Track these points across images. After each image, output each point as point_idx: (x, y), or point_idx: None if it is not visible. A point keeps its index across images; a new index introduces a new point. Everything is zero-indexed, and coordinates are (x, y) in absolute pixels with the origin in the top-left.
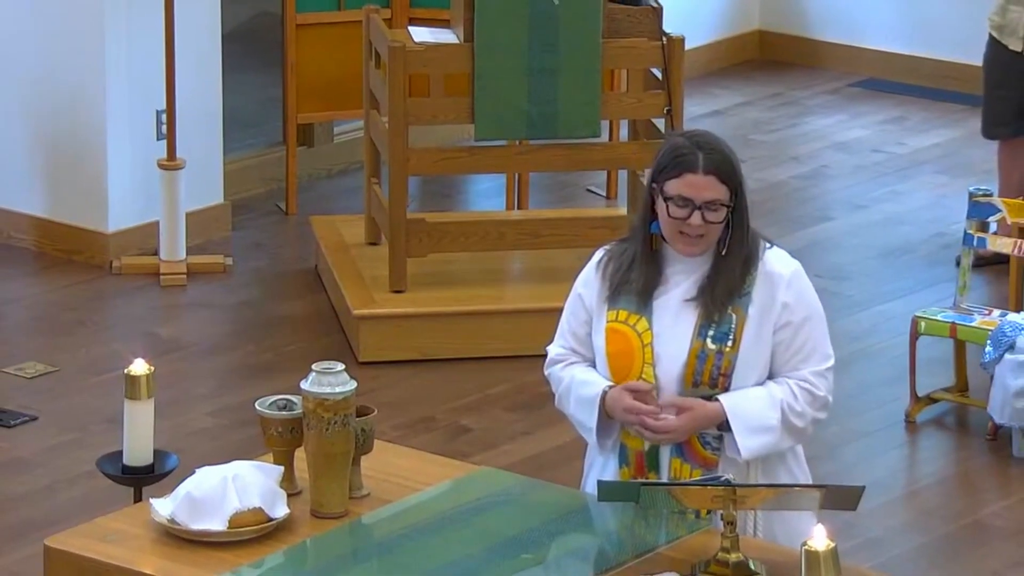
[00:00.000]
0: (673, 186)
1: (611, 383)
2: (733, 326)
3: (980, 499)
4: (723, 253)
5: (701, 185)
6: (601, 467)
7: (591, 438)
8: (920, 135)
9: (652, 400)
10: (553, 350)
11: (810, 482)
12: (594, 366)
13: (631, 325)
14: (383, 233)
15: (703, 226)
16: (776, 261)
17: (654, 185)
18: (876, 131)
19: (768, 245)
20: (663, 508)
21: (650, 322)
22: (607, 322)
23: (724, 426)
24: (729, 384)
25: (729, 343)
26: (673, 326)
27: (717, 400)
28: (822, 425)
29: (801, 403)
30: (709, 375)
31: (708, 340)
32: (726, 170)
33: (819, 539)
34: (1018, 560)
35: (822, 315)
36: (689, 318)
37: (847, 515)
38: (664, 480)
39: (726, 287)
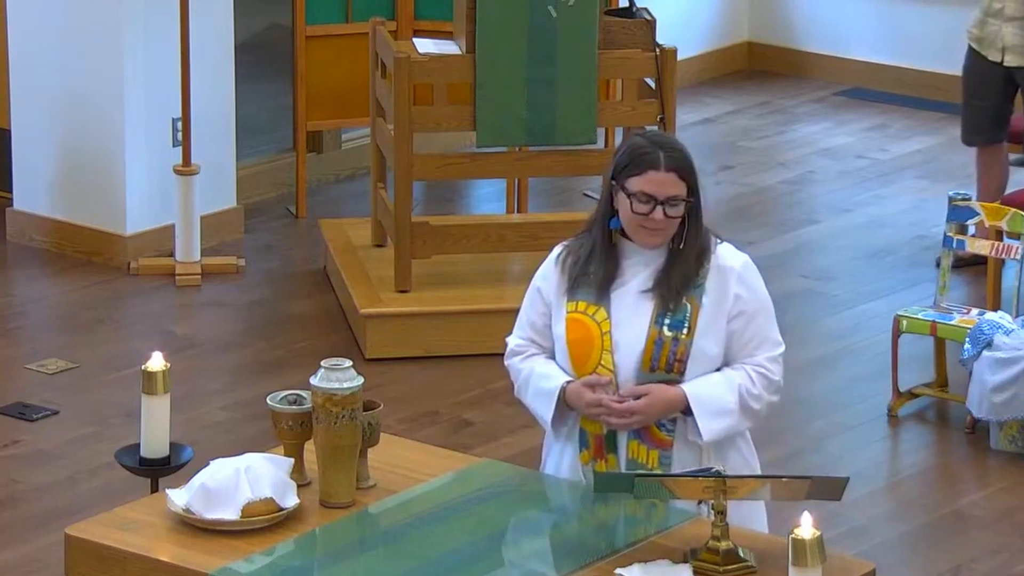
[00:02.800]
0: (636, 183)
1: (570, 378)
2: (688, 315)
3: (959, 490)
4: (680, 247)
5: (663, 182)
6: (560, 451)
7: (547, 428)
8: (902, 142)
9: (612, 390)
10: (512, 341)
11: (757, 462)
12: (553, 357)
13: (590, 315)
14: (389, 235)
15: (664, 220)
16: (727, 255)
17: (614, 182)
18: (860, 138)
19: (719, 240)
20: (657, 498)
21: (608, 312)
22: (567, 312)
23: (684, 411)
24: (684, 369)
25: (684, 330)
26: (631, 315)
27: (678, 387)
28: (808, 419)
29: (758, 387)
30: (666, 361)
31: (664, 328)
32: (686, 168)
33: (805, 528)
34: (995, 548)
35: (771, 304)
36: (646, 307)
37: (832, 505)
38: (623, 462)
39: (681, 278)
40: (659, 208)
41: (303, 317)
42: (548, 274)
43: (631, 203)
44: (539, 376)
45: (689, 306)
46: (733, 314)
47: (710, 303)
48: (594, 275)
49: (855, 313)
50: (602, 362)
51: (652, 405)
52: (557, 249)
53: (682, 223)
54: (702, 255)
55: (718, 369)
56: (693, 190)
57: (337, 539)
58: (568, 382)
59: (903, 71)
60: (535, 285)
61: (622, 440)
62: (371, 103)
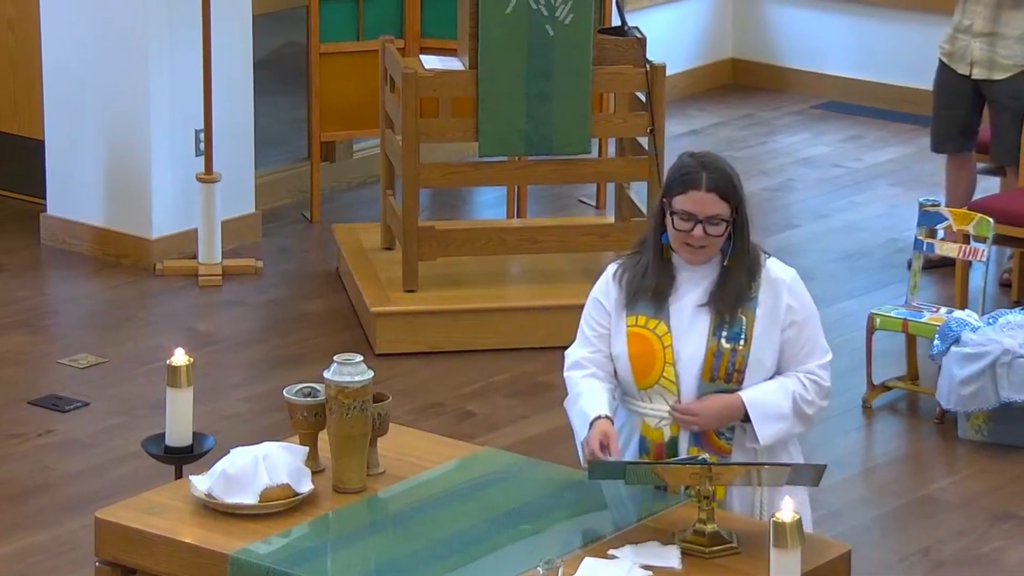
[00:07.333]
0: (679, 201)
1: (605, 413)
2: (744, 327)
3: (929, 476)
4: (724, 263)
5: (703, 201)
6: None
7: (577, 445)
8: (876, 151)
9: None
10: (576, 354)
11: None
12: (612, 367)
13: (651, 329)
14: (397, 239)
15: (705, 238)
16: (777, 269)
17: (664, 200)
18: (836, 148)
19: (767, 255)
20: (648, 485)
21: (668, 325)
22: (627, 327)
23: (742, 418)
24: (743, 379)
25: (741, 342)
26: (689, 328)
27: (735, 393)
28: None
29: (811, 393)
30: (725, 371)
31: (722, 340)
32: (726, 188)
33: (786, 511)
34: (961, 530)
35: (818, 314)
36: (703, 321)
37: (810, 490)
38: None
39: (734, 292)
40: (699, 226)
41: (317, 315)
42: (607, 289)
43: (674, 220)
44: (584, 401)
45: (744, 319)
46: (786, 324)
47: (764, 315)
48: (650, 289)
49: (832, 311)
50: (664, 374)
51: (709, 407)
52: (612, 267)
53: (729, 239)
54: (753, 270)
55: (771, 377)
56: (737, 210)
57: (349, 522)
58: (604, 416)
59: (877, 85)
60: (593, 297)
61: (683, 447)
62: (381, 115)
